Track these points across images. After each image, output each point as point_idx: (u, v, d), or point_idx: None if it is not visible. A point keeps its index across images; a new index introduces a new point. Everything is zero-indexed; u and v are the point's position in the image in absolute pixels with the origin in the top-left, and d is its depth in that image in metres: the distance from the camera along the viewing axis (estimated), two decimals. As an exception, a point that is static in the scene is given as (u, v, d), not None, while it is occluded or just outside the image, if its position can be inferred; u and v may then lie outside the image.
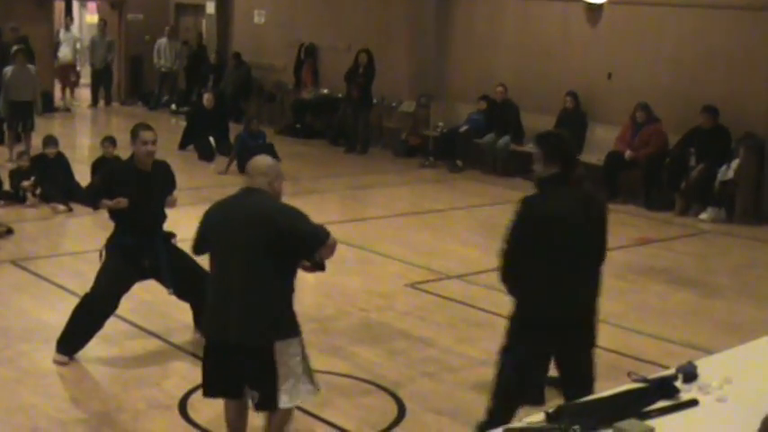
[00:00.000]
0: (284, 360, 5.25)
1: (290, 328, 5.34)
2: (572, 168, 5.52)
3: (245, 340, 5.27)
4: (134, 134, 7.15)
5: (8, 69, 15.02)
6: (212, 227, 5.48)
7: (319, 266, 5.67)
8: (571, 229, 5.35)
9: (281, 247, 5.24)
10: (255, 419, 5.66)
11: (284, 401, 5.29)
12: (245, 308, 5.23)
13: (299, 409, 6.17)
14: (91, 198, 7.45)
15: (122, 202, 7.07)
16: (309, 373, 5.43)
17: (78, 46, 22.16)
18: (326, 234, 5.39)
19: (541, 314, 5.39)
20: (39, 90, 15.63)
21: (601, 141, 14.49)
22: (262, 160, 5.59)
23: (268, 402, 5.31)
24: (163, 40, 21.72)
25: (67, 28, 22.45)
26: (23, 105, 14.96)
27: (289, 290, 5.38)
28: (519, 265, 5.41)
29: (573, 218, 5.36)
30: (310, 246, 5.39)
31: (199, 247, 5.62)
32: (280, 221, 5.27)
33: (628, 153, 13.60)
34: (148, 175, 7.21)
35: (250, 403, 5.46)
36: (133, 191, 7.09)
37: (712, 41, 13.67)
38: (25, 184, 12.16)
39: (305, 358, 5.41)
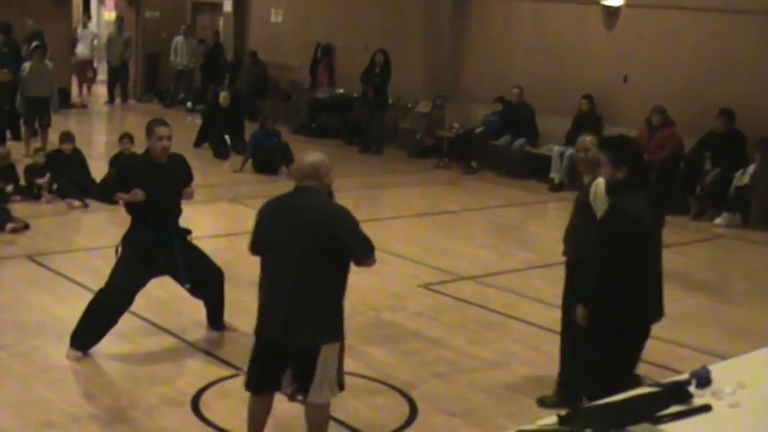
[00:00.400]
0: (325, 362, 5.34)
1: (337, 332, 5.41)
2: (642, 171, 5.67)
3: (294, 342, 5.33)
4: (149, 130, 7.18)
5: (26, 65, 15.11)
6: (266, 227, 5.47)
7: None
8: (653, 232, 5.54)
9: (333, 250, 5.28)
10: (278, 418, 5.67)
11: (314, 398, 5.39)
12: (297, 310, 5.28)
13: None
14: (106, 192, 7.47)
15: (139, 194, 7.08)
16: (340, 374, 5.50)
17: (96, 42, 22.25)
18: (373, 249, 5.44)
19: (648, 319, 5.65)
20: (56, 86, 15.70)
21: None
22: (309, 158, 5.51)
23: (300, 395, 5.44)
24: (179, 38, 21.79)
25: (85, 25, 22.57)
26: (40, 101, 15.05)
27: (340, 294, 5.43)
28: (628, 271, 5.48)
29: (652, 220, 5.53)
30: (355, 257, 5.43)
31: (255, 247, 5.56)
32: (334, 225, 5.32)
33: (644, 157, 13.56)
34: (163, 167, 7.23)
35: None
36: (148, 184, 7.11)
37: (728, 46, 13.64)
38: (40, 181, 12.21)
39: (341, 360, 5.49)
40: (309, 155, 5.58)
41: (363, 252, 5.41)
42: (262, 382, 5.54)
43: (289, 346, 5.35)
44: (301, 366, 5.36)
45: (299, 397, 5.48)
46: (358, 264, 5.47)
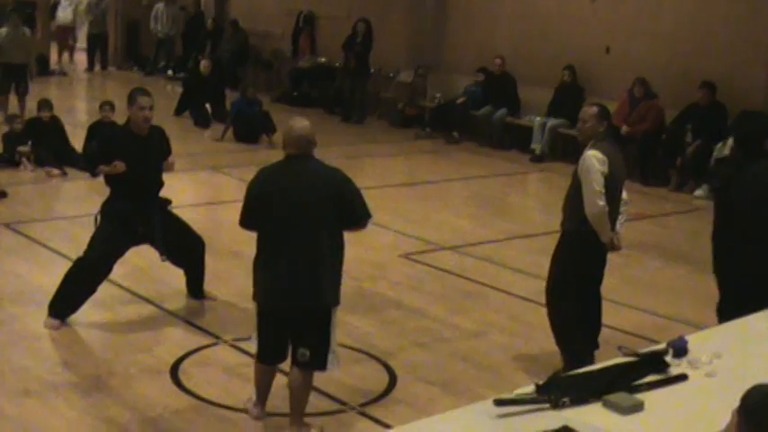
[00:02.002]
0: (335, 324, 5.50)
1: (338, 295, 5.54)
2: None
3: (309, 303, 5.39)
4: (131, 99, 7.12)
5: (1, 31, 14.87)
6: (265, 197, 5.44)
7: None
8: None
9: (339, 211, 5.39)
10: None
11: (331, 366, 5.55)
12: (311, 274, 5.34)
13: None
14: (88, 164, 7.45)
15: (119, 166, 7.04)
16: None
17: (79, 7, 21.95)
18: (369, 218, 5.56)
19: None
20: (33, 53, 15.50)
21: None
22: (301, 127, 5.52)
23: (318, 362, 5.49)
24: (160, 5, 21.59)
25: None
26: (17, 68, 14.86)
27: (342, 257, 5.54)
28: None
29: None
30: (358, 217, 5.53)
31: (248, 219, 5.55)
32: (339, 186, 5.46)
33: (624, 128, 13.57)
34: (145, 139, 7.19)
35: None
36: (129, 155, 7.07)
37: (711, 17, 13.62)
38: (22, 149, 12.12)
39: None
40: (299, 122, 5.57)
41: (362, 220, 5.52)
42: (275, 355, 5.64)
43: (302, 310, 5.40)
44: (312, 332, 5.42)
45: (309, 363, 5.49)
46: (358, 224, 5.54)
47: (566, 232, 6.57)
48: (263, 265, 5.49)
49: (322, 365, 5.53)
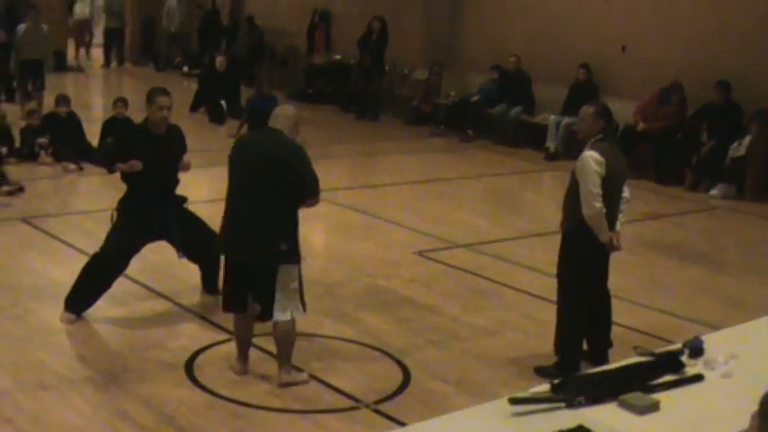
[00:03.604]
0: (283, 281, 5.97)
1: (292, 255, 6.00)
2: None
3: (254, 259, 6.01)
4: (150, 98, 7.14)
5: (21, 27, 14.99)
6: (233, 158, 6.16)
7: None
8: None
9: (288, 182, 5.91)
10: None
11: (277, 315, 6.02)
12: (256, 232, 5.95)
13: (312, 376, 6.25)
14: (105, 161, 7.47)
15: (136, 164, 7.07)
16: (301, 297, 6.11)
17: (96, 2, 22.01)
18: (317, 191, 6.09)
19: None
20: (50, 49, 15.58)
21: (613, 114, 14.39)
22: (286, 107, 6.38)
23: (266, 314, 6.09)
24: (172, 2, 21.66)
25: None
26: (34, 64, 14.95)
27: (293, 221, 6.06)
28: None
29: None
30: (303, 193, 6.03)
31: (229, 178, 6.15)
32: (291, 160, 5.94)
33: (641, 125, 13.54)
34: (162, 138, 7.21)
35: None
36: (146, 154, 7.09)
37: (726, 17, 13.57)
38: (41, 140, 12.18)
39: (300, 284, 6.09)
40: (287, 105, 6.50)
41: (309, 189, 6.02)
42: (233, 303, 6.19)
43: (251, 265, 6.01)
44: (262, 285, 5.98)
45: (260, 315, 6.15)
46: (306, 197, 6.04)
47: (565, 233, 6.58)
48: (223, 216, 6.19)
49: (267, 316, 6.09)
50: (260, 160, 5.96)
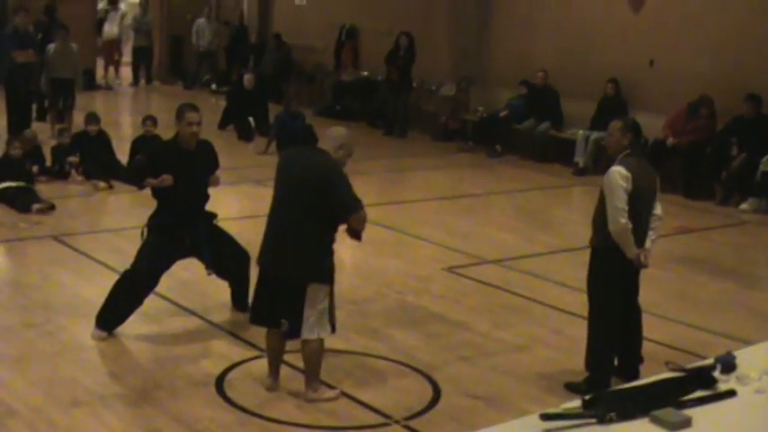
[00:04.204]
0: (312, 300, 5.98)
1: (324, 275, 6.03)
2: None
3: (282, 274, 6.04)
4: (180, 114, 7.19)
5: (51, 47, 15.18)
6: (277, 172, 6.19)
7: (354, 234, 6.20)
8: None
9: (321, 200, 5.94)
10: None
11: (305, 334, 6.04)
12: (287, 247, 6.01)
13: (342, 392, 6.26)
14: (135, 177, 7.51)
15: (167, 179, 7.11)
16: (331, 316, 6.13)
17: (125, 22, 22.19)
18: (356, 207, 6.05)
19: None
20: (80, 68, 15.75)
21: (641, 129, 14.35)
22: (336, 128, 6.40)
23: (293, 332, 6.07)
24: (201, 21, 21.80)
25: (115, 5, 22.48)
26: (64, 83, 15.12)
27: (328, 242, 6.06)
28: None
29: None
30: (338, 211, 6.03)
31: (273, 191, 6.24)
32: (327, 178, 5.98)
33: (670, 140, 13.49)
34: (192, 154, 7.26)
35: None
36: (177, 169, 7.14)
37: (756, 30, 13.51)
38: (72, 159, 12.30)
39: (332, 304, 6.12)
40: (338, 127, 6.47)
41: (346, 208, 6.02)
42: (259, 316, 6.26)
43: (282, 281, 6.01)
44: (290, 301, 5.98)
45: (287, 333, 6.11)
46: (342, 216, 6.05)
47: (594, 248, 6.57)
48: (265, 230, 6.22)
49: (295, 335, 6.09)
50: (297, 177, 6.02)
